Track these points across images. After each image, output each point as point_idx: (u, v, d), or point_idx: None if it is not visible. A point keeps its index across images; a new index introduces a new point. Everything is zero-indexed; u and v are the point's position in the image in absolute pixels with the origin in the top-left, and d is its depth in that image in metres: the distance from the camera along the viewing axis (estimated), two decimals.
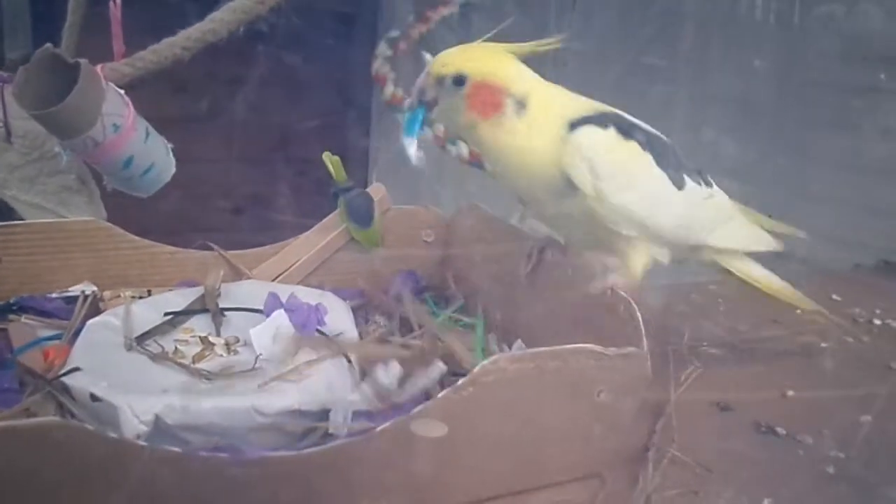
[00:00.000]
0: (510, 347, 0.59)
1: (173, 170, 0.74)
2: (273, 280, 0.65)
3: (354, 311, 0.63)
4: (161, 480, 0.36)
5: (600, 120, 0.53)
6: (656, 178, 0.54)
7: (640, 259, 0.55)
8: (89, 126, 0.63)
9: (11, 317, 0.55)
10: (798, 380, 0.67)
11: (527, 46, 0.53)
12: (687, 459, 0.52)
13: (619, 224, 0.53)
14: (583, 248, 0.57)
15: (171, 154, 0.74)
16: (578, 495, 0.48)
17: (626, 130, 0.53)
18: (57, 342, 0.52)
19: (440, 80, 0.51)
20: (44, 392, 0.46)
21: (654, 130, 0.56)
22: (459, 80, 0.51)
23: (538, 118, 0.52)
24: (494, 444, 0.44)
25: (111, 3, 0.67)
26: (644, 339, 0.46)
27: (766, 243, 0.64)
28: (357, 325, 0.60)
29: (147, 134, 0.70)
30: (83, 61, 0.63)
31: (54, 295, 0.57)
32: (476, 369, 0.41)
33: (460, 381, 0.41)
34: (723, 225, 0.61)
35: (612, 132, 0.53)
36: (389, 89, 1.02)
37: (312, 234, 0.67)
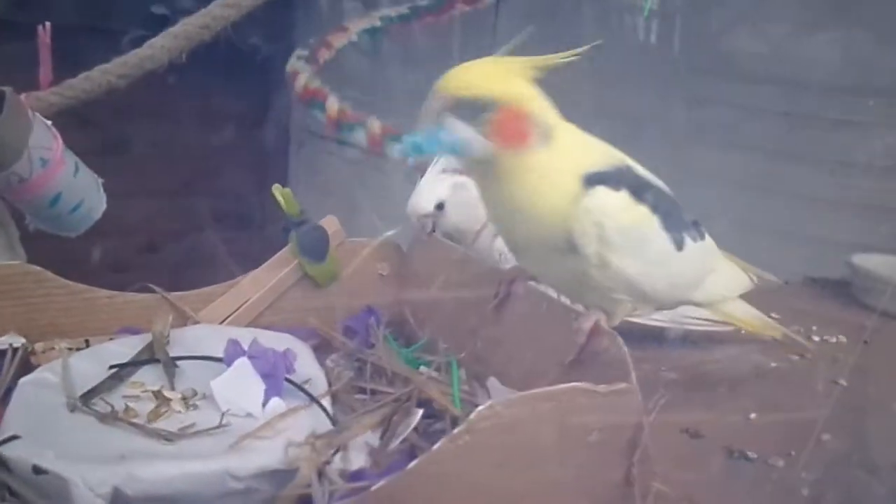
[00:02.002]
0: (482, 386, 0.56)
1: (104, 206, 0.68)
2: (222, 322, 0.61)
3: (315, 349, 0.60)
4: None
5: (615, 178, 0.49)
6: (661, 244, 0.51)
7: (623, 312, 0.52)
8: (15, 160, 0.57)
9: None
10: (756, 401, 0.68)
11: (549, 59, 0.47)
12: (670, 491, 0.52)
13: (614, 290, 0.50)
14: (567, 298, 0.55)
15: (101, 189, 0.68)
16: None
17: (638, 191, 0.50)
18: None
19: (458, 103, 0.45)
20: None
21: (659, 183, 0.53)
22: (484, 105, 0.45)
23: (557, 159, 0.47)
24: (489, 494, 0.42)
25: (40, 29, 0.61)
26: (633, 374, 0.45)
27: (745, 285, 0.63)
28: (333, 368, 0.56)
29: (76, 168, 0.64)
30: (7, 90, 0.57)
31: None
32: (472, 416, 0.39)
33: (456, 430, 0.39)
34: (711, 276, 0.59)
35: (624, 195, 0.48)
36: (301, 82, 1.02)
37: (262, 271, 0.63)
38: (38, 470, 0.38)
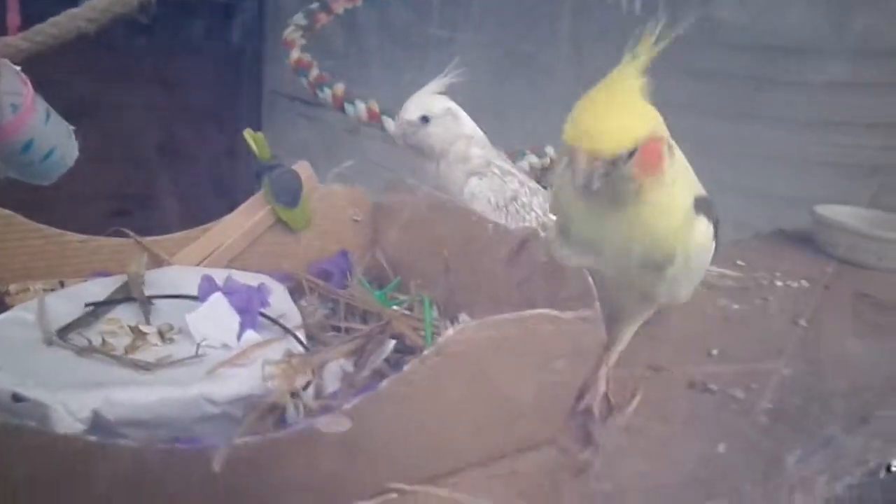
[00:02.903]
0: (452, 323, 0.58)
1: (76, 154, 0.67)
2: (196, 266, 0.61)
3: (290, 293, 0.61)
4: (114, 478, 0.33)
5: (709, 211, 0.50)
6: (709, 259, 0.52)
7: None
8: None
9: None
10: (719, 340, 0.70)
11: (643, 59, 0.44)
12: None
13: (662, 298, 0.52)
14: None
15: (73, 137, 0.68)
16: (538, 462, 0.47)
17: (709, 212, 0.50)
18: None
19: (613, 162, 0.43)
20: None
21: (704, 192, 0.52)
22: (632, 153, 0.43)
23: (679, 180, 0.47)
24: (454, 414, 0.43)
25: None
26: (596, 302, 0.47)
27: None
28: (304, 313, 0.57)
29: (48, 115, 0.64)
30: None
31: None
32: (441, 339, 0.40)
33: (426, 352, 0.40)
34: None
35: (711, 229, 0.50)
36: (295, 54, 1.02)
37: (236, 215, 0.64)
38: (17, 398, 0.39)
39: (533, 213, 0.69)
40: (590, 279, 0.48)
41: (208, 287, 0.49)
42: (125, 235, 0.60)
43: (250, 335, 0.47)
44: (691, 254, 0.49)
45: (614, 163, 0.43)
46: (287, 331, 0.46)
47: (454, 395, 0.42)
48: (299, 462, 0.38)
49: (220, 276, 0.51)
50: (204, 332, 0.46)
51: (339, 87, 0.95)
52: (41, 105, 0.63)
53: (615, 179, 0.43)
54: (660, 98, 0.46)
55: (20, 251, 0.56)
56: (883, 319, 0.82)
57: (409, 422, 0.42)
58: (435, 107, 0.68)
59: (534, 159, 1.06)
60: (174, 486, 0.34)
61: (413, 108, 0.68)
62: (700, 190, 0.51)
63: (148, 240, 0.61)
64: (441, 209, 0.64)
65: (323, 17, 1.01)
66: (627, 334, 0.56)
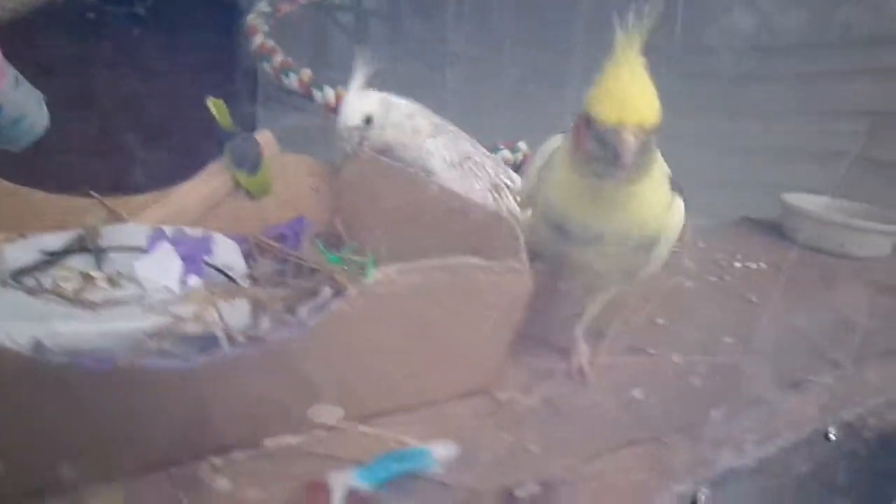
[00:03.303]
0: None
1: (46, 122, 0.70)
2: None
3: (244, 257, 0.63)
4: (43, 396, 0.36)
5: (676, 184, 0.52)
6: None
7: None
8: None
9: None
10: (666, 311, 0.73)
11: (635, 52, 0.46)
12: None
13: (643, 275, 0.55)
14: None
15: (43, 106, 0.70)
16: (469, 409, 0.50)
17: (680, 191, 0.53)
18: None
19: (649, 135, 0.45)
20: None
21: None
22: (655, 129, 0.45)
23: (661, 165, 0.50)
24: (385, 357, 0.46)
25: None
26: (525, 255, 0.49)
27: None
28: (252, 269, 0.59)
29: (17, 82, 0.66)
30: None
31: None
32: (366, 280, 0.43)
33: (352, 293, 0.42)
34: None
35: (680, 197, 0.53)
36: (258, 40, 1.04)
37: (197, 181, 0.66)
38: None
39: (485, 172, 0.71)
40: (519, 234, 0.50)
41: (157, 237, 0.52)
42: (90, 195, 0.62)
43: (194, 281, 0.49)
44: (671, 232, 0.52)
45: (650, 135, 0.44)
46: (227, 276, 0.49)
47: (383, 338, 0.44)
48: (227, 390, 0.40)
49: (170, 229, 0.54)
50: (150, 279, 0.49)
51: (306, 73, 0.97)
52: (10, 72, 0.65)
53: (642, 153, 0.45)
54: None
55: None
56: (833, 298, 0.85)
57: (338, 360, 0.44)
58: (372, 104, 0.69)
59: (507, 154, 1.08)
60: (88, 400, 0.37)
61: (352, 114, 0.69)
62: (667, 170, 0.53)
63: (111, 200, 0.63)
64: (397, 178, 0.67)
65: (286, 6, 1.04)
66: (599, 304, 0.59)
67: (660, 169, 0.50)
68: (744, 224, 1.16)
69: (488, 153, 0.75)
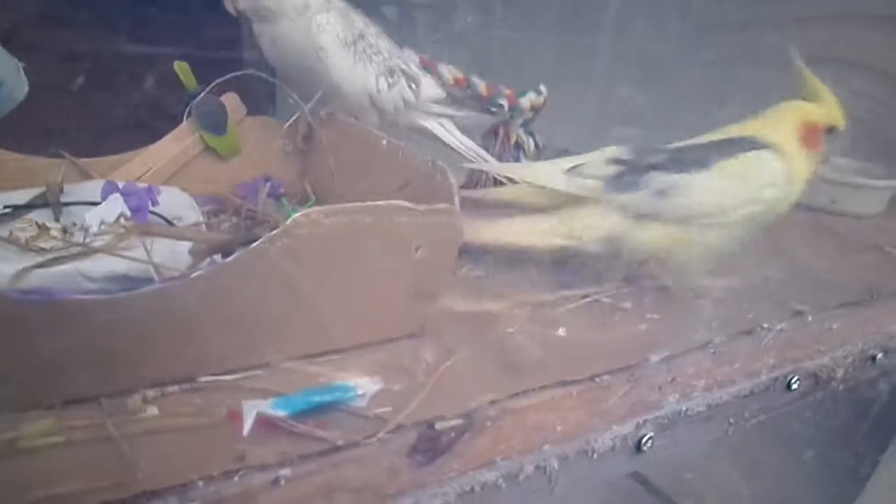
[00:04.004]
0: None
1: (26, 89, 0.73)
2: None
3: (213, 213, 0.66)
4: None
5: None
6: None
7: None
8: None
9: None
10: None
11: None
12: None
13: None
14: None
15: (22, 73, 0.73)
16: (401, 348, 0.51)
17: None
18: None
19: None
20: None
21: None
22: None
23: None
24: (315, 297, 0.48)
25: None
26: (456, 198, 0.50)
27: None
28: (210, 224, 0.62)
29: None
30: None
31: None
32: (288, 221, 0.44)
33: (274, 232, 0.44)
34: None
35: None
36: None
37: (166, 141, 0.69)
38: None
39: (381, 56, 0.71)
40: (452, 180, 0.52)
41: (109, 189, 0.54)
42: (61, 156, 0.65)
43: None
44: None
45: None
46: (169, 223, 0.51)
47: (305, 276, 0.46)
48: (155, 325, 0.43)
49: (123, 184, 0.56)
50: (96, 225, 0.51)
51: None
52: None
53: None
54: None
55: None
56: (808, 253, 0.85)
57: (266, 299, 0.46)
58: None
59: (533, 96, 1.06)
60: (27, 337, 0.39)
61: None
62: None
63: (82, 161, 0.66)
64: (352, 135, 0.68)
65: None
66: None
67: None
68: None
69: (381, 32, 0.73)
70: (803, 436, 1.04)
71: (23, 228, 0.53)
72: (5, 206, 0.55)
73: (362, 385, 0.45)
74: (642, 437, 0.57)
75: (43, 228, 0.52)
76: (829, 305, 0.69)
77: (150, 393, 0.44)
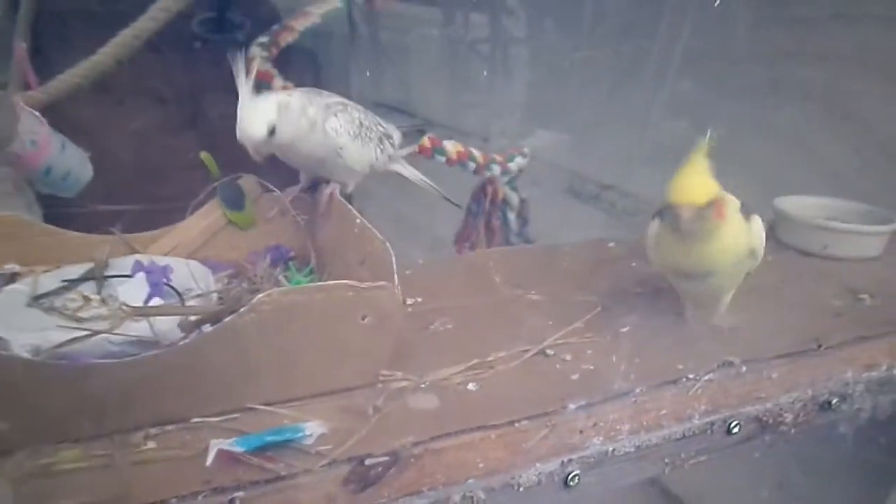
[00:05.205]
0: None
1: (90, 174, 0.91)
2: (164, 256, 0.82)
3: (233, 277, 0.80)
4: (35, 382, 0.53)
5: (744, 207, 0.74)
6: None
7: None
8: (9, 143, 0.80)
9: None
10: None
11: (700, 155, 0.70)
12: None
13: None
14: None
15: (87, 162, 0.91)
16: (349, 398, 0.64)
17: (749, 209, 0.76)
18: None
19: (701, 209, 0.68)
20: None
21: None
22: (710, 205, 0.69)
23: (731, 208, 0.72)
24: (281, 356, 0.61)
25: (18, 48, 0.85)
26: (395, 276, 0.62)
27: None
28: (228, 287, 0.77)
29: (63, 146, 0.88)
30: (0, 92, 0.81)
31: None
32: (254, 299, 0.58)
33: (243, 309, 0.58)
34: None
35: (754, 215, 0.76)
36: (279, 83, 1.09)
37: (195, 218, 0.84)
38: None
39: (372, 132, 0.84)
40: (392, 261, 0.64)
41: (137, 268, 0.70)
42: (112, 234, 0.82)
43: (155, 300, 0.66)
44: (757, 241, 0.76)
45: (702, 209, 0.68)
46: (178, 294, 0.66)
47: (271, 341, 0.59)
48: (156, 380, 0.57)
49: (160, 262, 0.72)
50: (126, 299, 0.66)
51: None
52: (57, 139, 0.87)
53: (699, 223, 0.69)
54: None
55: (37, 245, 0.78)
56: (773, 301, 0.91)
57: (241, 358, 0.59)
58: (269, 113, 0.72)
59: (520, 159, 1.19)
60: (64, 391, 0.54)
61: (256, 127, 0.71)
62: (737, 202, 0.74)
63: (128, 236, 0.82)
64: (340, 214, 0.81)
65: (286, 35, 1.16)
66: (727, 297, 0.81)
67: (730, 207, 0.72)
68: None
69: (362, 108, 0.85)
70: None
71: (73, 300, 0.68)
72: (63, 280, 0.71)
73: (310, 427, 0.58)
74: (569, 474, 0.66)
75: (86, 300, 0.68)
76: (765, 356, 0.76)
77: (152, 430, 0.58)
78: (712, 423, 0.73)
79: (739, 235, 0.74)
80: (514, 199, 1.04)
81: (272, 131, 0.73)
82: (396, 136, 0.90)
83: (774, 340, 0.79)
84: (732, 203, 0.73)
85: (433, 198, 0.97)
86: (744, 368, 0.75)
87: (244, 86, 0.70)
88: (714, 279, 0.76)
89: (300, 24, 1.13)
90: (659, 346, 0.76)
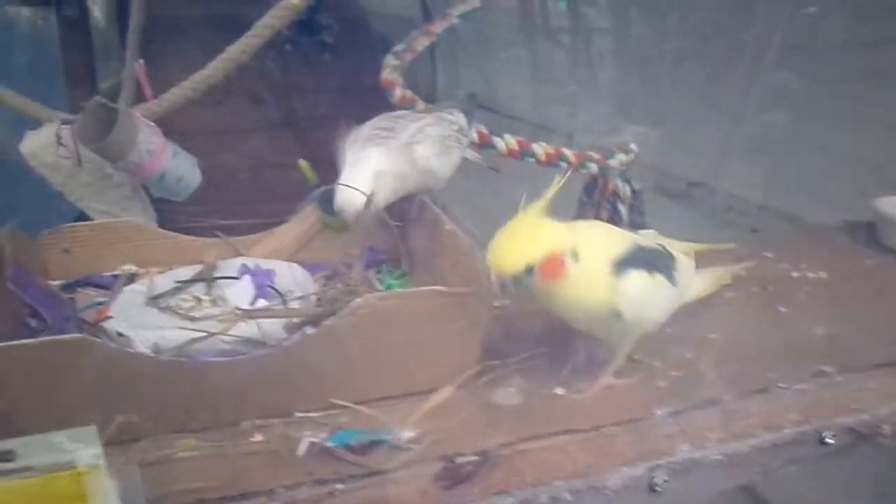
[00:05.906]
0: None
1: (199, 179, 0.98)
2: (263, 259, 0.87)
3: (328, 278, 0.85)
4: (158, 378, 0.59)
5: (635, 260, 0.65)
6: (669, 290, 0.68)
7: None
8: (129, 152, 0.87)
9: (78, 290, 0.80)
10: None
11: (545, 201, 0.61)
12: None
13: (641, 331, 0.68)
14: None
15: (196, 168, 0.98)
16: (440, 397, 0.66)
17: (652, 264, 0.66)
18: (102, 304, 0.75)
19: (516, 278, 0.59)
20: (92, 332, 0.69)
21: (656, 245, 0.70)
22: (530, 270, 0.59)
23: (589, 263, 0.62)
24: (377, 357, 0.64)
25: (136, 64, 0.92)
26: (487, 281, 0.65)
27: (721, 279, 0.81)
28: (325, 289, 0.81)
29: (175, 154, 0.94)
30: (121, 107, 0.87)
31: (107, 274, 0.82)
32: (352, 304, 0.61)
33: (342, 312, 0.61)
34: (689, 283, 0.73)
35: (643, 273, 0.65)
36: (398, 93, 1.12)
37: (293, 223, 0.89)
38: (119, 334, 0.67)
39: (452, 134, 0.83)
40: (481, 266, 0.66)
41: (243, 270, 0.75)
42: (218, 237, 0.87)
43: (260, 302, 0.71)
44: (634, 302, 0.64)
45: (517, 277, 0.60)
46: (280, 296, 0.70)
47: (367, 343, 0.63)
48: (263, 377, 0.61)
49: (263, 265, 0.76)
50: (234, 300, 0.71)
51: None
52: (170, 147, 0.93)
53: (523, 288, 0.61)
54: None
55: (152, 248, 0.85)
56: (871, 309, 0.88)
57: (340, 360, 0.63)
58: (368, 184, 0.75)
59: (622, 156, 1.17)
60: (185, 386, 0.59)
61: (352, 205, 0.75)
62: (629, 245, 0.66)
63: (233, 239, 0.87)
64: (432, 221, 0.84)
65: (409, 56, 1.20)
66: (622, 355, 0.70)
67: (585, 263, 0.62)
68: (840, 230, 1.16)
69: (433, 114, 0.84)
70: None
71: (186, 300, 0.74)
72: (176, 281, 0.77)
73: (403, 426, 0.61)
74: (653, 479, 0.67)
75: (197, 301, 0.73)
76: (862, 365, 0.74)
77: (259, 422, 0.62)
78: (804, 434, 0.72)
79: (597, 293, 0.63)
80: (625, 190, 1.04)
81: (368, 203, 0.75)
82: (462, 120, 0.89)
83: (872, 349, 0.77)
84: (591, 258, 0.63)
85: (516, 190, 0.97)
86: (839, 378, 0.73)
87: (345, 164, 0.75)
88: (587, 327, 0.68)
89: (439, 28, 1.15)
90: (749, 353, 0.75)
